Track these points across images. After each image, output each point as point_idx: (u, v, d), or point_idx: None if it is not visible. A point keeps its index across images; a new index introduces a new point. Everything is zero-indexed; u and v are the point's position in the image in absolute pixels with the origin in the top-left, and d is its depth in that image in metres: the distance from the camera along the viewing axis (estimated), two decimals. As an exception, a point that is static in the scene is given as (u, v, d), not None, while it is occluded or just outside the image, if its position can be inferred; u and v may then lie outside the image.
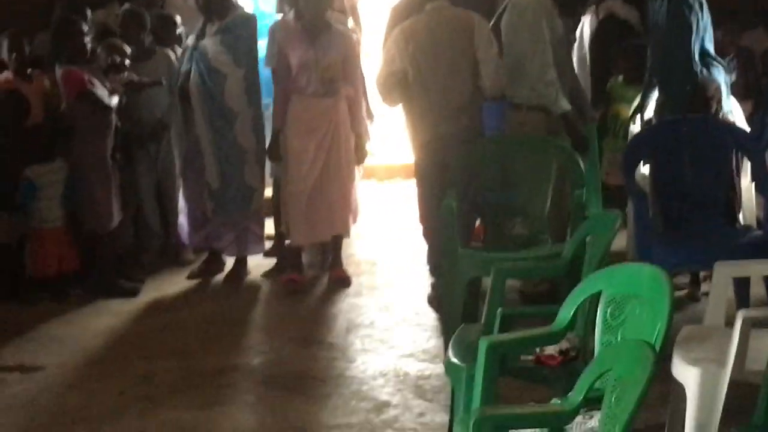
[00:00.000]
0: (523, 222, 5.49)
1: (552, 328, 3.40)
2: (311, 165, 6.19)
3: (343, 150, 6.28)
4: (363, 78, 6.70)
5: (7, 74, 6.52)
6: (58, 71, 6.21)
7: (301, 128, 6.19)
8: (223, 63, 6.29)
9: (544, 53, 5.60)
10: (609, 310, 3.23)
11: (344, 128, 6.26)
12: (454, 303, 5.19)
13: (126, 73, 6.39)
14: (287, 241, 6.48)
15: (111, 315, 6.06)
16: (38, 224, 6.26)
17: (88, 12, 7.16)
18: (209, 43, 6.30)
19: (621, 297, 3.18)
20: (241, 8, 6.62)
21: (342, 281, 6.35)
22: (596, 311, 3.32)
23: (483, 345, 3.28)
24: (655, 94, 5.97)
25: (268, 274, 6.56)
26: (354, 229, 6.81)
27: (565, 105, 5.63)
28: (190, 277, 6.61)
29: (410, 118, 5.80)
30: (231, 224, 6.48)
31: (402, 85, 5.65)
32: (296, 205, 6.22)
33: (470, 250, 5.29)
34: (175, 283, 6.60)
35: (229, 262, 6.67)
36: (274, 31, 6.42)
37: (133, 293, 6.34)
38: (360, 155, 6.42)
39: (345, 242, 6.62)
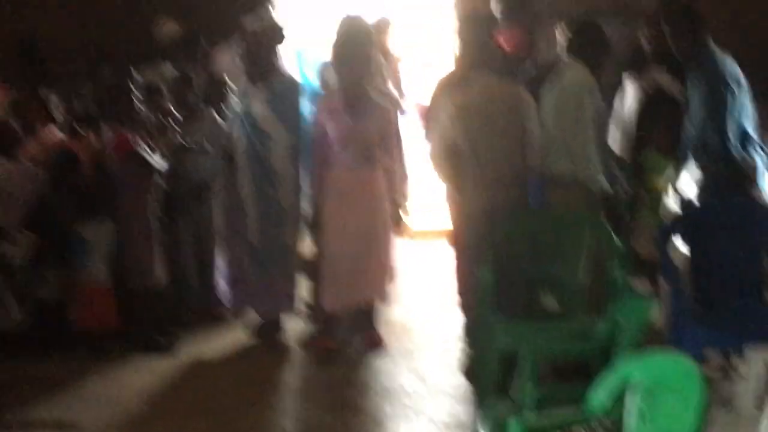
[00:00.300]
0: (558, 294, 5.53)
1: (584, 412, 3.43)
2: (347, 234, 6.24)
3: (380, 219, 6.34)
4: (401, 145, 6.77)
5: (56, 131, 6.67)
6: (107, 131, 6.35)
7: (338, 198, 6.26)
8: (271, 126, 6.41)
9: (587, 130, 5.69)
10: (641, 397, 3.26)
11: (381, 198, 6.33)
12: (487, 374, 5.22)
13: (171, 134, 6.53)
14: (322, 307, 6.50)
15: (148, 372, 6.15)
16: (85, 281, 6.36)
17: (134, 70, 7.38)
18: (257, 107, 6.43)
19: (653, 385, 3.21)
20: (287, 73, 6.77)
21: (376, 345, 6.40)
22: (627, 394, 3.35)
23: (515, 428, 3.32)
24: (689, 168, 6.01)
25: (303, 343, 6.59)
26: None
27: (603, 183, 5.70)
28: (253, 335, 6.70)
29: (460, 190, 5.85)
30: (267, 283, 6.54)
31: (456, 157, 5.73)
32: (332, 272, 6.27)
33: (504, 322, 5.32)
34: (211, 341, 6.68)
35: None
36: (317, 102, 6.55)
37: (169, 349, 6.43)
38: (398, 223, 6.48)
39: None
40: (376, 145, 6.27)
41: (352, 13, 7.26)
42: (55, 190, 6.36)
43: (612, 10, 7.78)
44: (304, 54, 8.01)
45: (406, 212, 6.63)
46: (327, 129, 6.23)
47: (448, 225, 6.74)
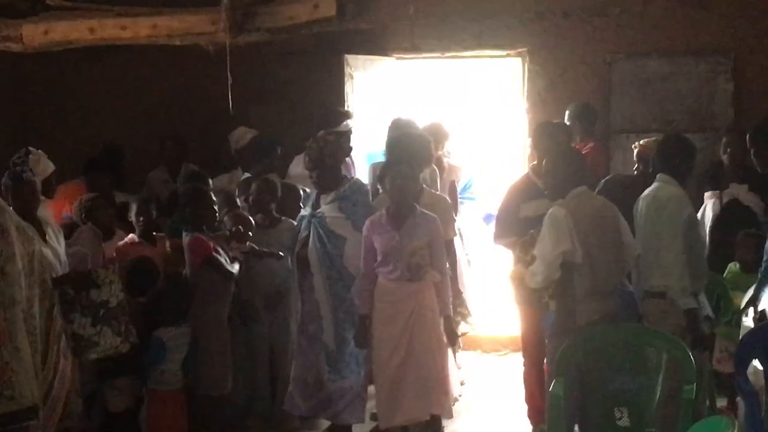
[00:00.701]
0: (633, 412, 5.43)
1: None
2: (395, 350, 6.17)
3: (431, 333, 6.21)
4: (453, 258, 6.76)
5: (132, 236, 6.81)
6: (186, 237, 6.47)
7: (385, 313, 6.22)
8: (342, 227, 6.43)
9: (679, 245, 5.72)
10: None
11: (430, 312, 6.21)
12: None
13: (247, 241, 6.64)
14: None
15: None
16: (157, 386, 6.37)
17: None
18: (327, 210, 6.48)
19: None
20: (352, 177, 6.91)
21: None
22: None
23: None
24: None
25: None
26: (459, 404, 6.79)
27: (690, 301, 5.68)
28: None
29: (562, 302, 5.77)
30: (342, 390, 6.48)
31: (568, 269, 5.68)
32: (382, 389, 6.22)
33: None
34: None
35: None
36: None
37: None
38: (451, 338, 6.35)
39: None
40: (424, 258, 6.16)
41: (404, 117, 7.41)
42: (131, 298, 6.44)
43: (688, 125, 7.75)
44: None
45: (458, 326, 6.58)
46: (373, 241, 6.20)
47: (516, 334, 6.77)
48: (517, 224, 6.53)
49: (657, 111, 8.13)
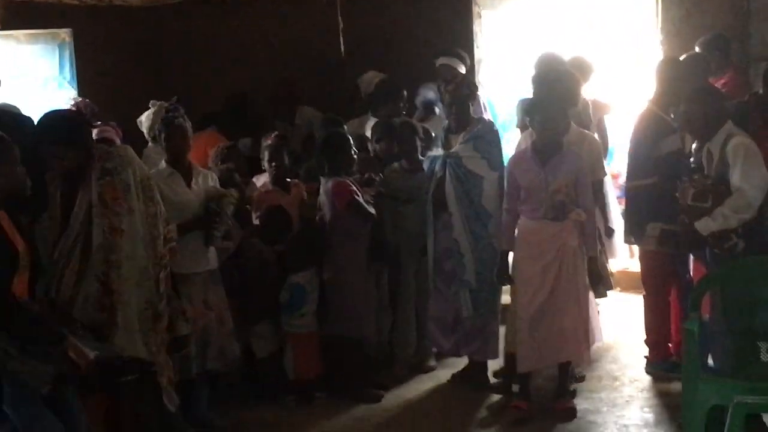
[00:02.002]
0: (770, 349, 5.28)
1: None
2: (538, 290, 6.06)
3: (574, 275, 6.07)
4: (602, 196, 6.66)
5: (266, 183, 6.92)
6: (327, 182, 6.55)
7: (528, 252, 6.14)
8: (479, 166, 6.46)
9: None
10: None
11: (574, 253, 6.07)
12: (694, 431, 5.02)
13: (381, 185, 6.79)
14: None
15: (352, 420, 6.29)
16: (297, 330, 6.54)
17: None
18: (462, 150, 6.51)
19: None
20: (483, 118, 6.92)
21: (568, 413, 6.11)
22: None
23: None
24: None
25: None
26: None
27: None
28: (452, 380, 6.79)
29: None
30: (480, 327, 6.56)
31: None
32: (523, 331, 6.10)
33: (713, 377, 5.13)
34: (418, 391, 6.73)
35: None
36: (519, 144, 6.59)
37: (377, 400, 6.52)
38: (594, 279, 6.20)
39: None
40: (569, 196, 6.03)
41: (549, 52, 7.30)
42: (267, 245, 6.57)
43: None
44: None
45: (603, 268, 6.48)
46: (517, 177, 6.14)
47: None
48: (655, 162, 6.43)
49: (800, 36, 7.80)
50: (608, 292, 6.75)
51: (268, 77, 8.77)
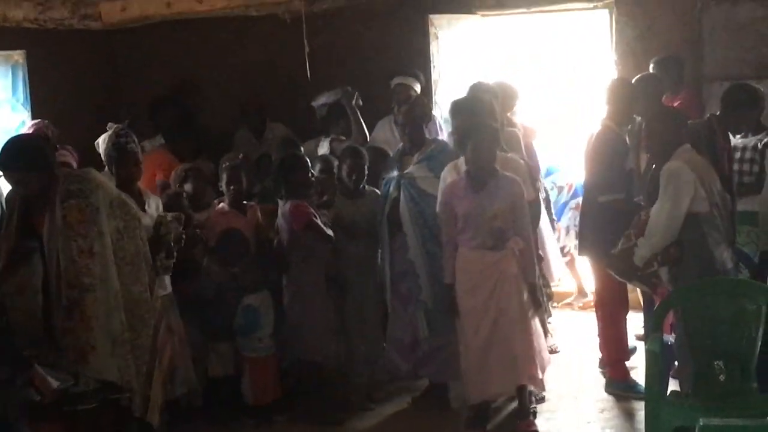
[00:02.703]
0: (730, 368, 5.31)
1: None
2: (481, 321, 6.01)
3: (517, 303, 6.01)
4: (536, 221, 6.65)
5: (222, 206, 6.85)
6: (285, 205, 6.51)
7: (468, 284, 6.07)
8: (433, 186, 6.40)
9: None
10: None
11: (514, 281, 6.02)
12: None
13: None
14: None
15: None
16: (254, 353, 6.50)
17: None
18: (416, 170, 6.50)
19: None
20: (437, 138, 6.93)
21: None
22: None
23: None
24: None
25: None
26: (559, 361, 6.94)
27: None
28: (412, 404, 6.74)
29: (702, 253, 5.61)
30: (439, 348, 6.49)
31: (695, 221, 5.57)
32: (471, 363, 6.07)
33: (675, 399, 5.16)
34: (381, 416, 6.68)
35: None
36: (444, 177, 6.36)
37: (336, 422, 6.46)
38: (536, 305, 6.16)
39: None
40: (506, 222, 5.99)
41: (477, 81, 7.28)
42: (223, 267, 6.52)
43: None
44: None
45: (544, 293, 6.48)
46: (454, 207, 6.06)
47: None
48: (623, 178, 6.57)
49: (750, 57, 7.84)
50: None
51: (229, 98, 8.74)
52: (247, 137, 8.33)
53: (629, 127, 6.77)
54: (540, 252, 6.94)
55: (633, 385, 6.59)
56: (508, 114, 7.42)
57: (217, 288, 6.47)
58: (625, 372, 6.76)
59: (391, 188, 6.58)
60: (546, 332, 6.99)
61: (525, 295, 6.04)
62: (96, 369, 4.87)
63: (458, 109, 6.54)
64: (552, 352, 7.20)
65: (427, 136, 6.79)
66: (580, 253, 7.17)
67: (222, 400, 6.56)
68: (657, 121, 5.87)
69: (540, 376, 6.16)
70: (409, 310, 6.56)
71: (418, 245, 6.46)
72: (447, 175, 6.30)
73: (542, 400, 6.57)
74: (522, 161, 6.59)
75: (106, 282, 4.96)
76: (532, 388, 6.19)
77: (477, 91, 6.95)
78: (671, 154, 5.68)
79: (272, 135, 8.30)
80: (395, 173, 6.64)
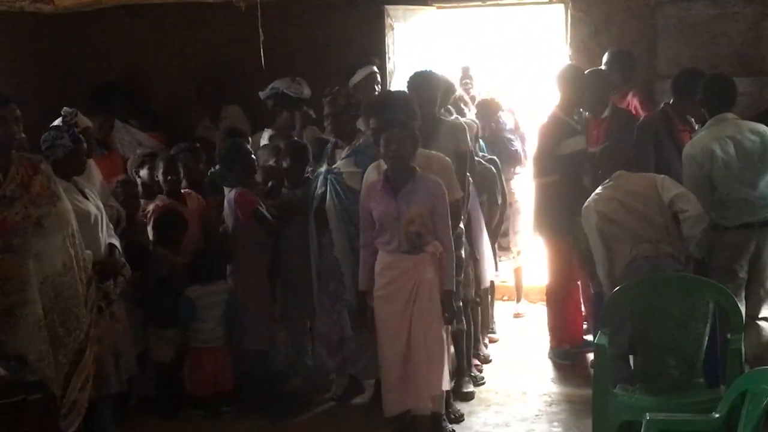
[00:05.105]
0: (678, 363, 5.36)
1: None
2: (398, 330, 5.68)
3: (427, 313, 5.66)
4: (457, 222, 6.18)
5: (162, 197, 6.79)
6: (231, 193, 6.46)
7: (384, 289, 5.72)
8: (359, 182, 6.19)
9: None
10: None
11: (429, 289, 5.66)
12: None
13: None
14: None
15: (261, 435, 6.19)
16: (197, 343, 6.45)
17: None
18: (342, 165, 6.35)
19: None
20: (367, 133, 6.52)
21: None
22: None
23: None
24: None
25: None
26: (507, 354, 7.02)
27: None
28: (333, 400, 6.68)
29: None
30: (365, 346, 6.31)
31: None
32: (388, 374, 5.77)
33: (623, 393, 5.20)
34: (318, 405, 6.68)
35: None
36: (366, 176, 6.09)
37: (284, 415, 6.42)
38: (448, 316, 5.77)
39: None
40: (425, 226, 5.63)
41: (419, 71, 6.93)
42: (167, 249, 6.48)
43: (736, 69, 7.55)
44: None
45: (457, 300, 6.26)
46: (371, 209, 5.75)
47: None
48: (556, 162, 6.99)
49: (704, 55, 7.89)
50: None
51: (181, 85, 8.67)
52: (205, 123, 8.40)
53: (575, 117, 7.14)
54: (475, 254, 6.81)
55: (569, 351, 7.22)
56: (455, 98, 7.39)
57: (164, 276, 6.40)
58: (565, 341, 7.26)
59: (319, 183, 6.43)
60: (477, 341, 7.09)
61: (438, 304, 5.68)
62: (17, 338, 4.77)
63: (371, 107, 6.25)
64: (484, 362, 7.20)
65: (361, 128, 6.55)
66: (534, 232, 7.48)
67: (168, 389, 6.51)
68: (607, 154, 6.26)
69: (439, 395, 5.81)
70: (337, 307, 6.41)
71: (344, 243, 6.29)
72: (369, 175, 6.03)
73: (461, 418, 6.31)
74: (447, 159, 6.12)
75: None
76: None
77: (405, 86, 6.68)
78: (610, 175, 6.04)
79: (228, 118, 8.30)
80: (324, 167, 6.45)
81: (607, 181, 6.00)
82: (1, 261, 4.73)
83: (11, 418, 4.48)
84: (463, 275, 6.39)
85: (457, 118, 6.99)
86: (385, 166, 5.77)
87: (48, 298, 4.87)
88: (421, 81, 6.53)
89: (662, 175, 5.96)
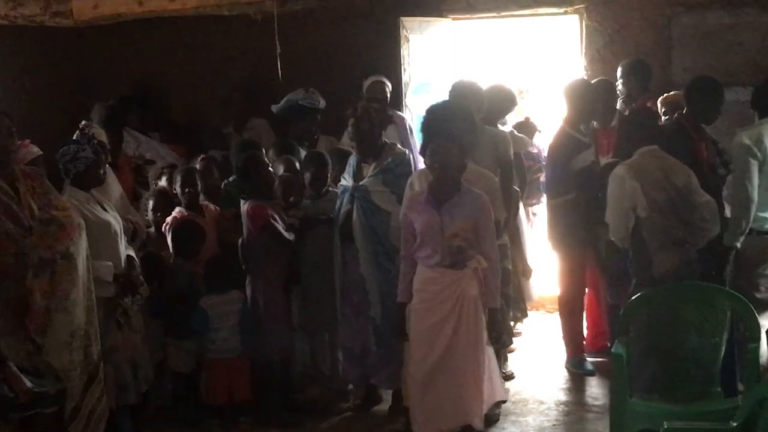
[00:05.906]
0: (695, 372, 5.36)
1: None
2: (432, 345, 5.49)
3: (471, 331, 5.47)
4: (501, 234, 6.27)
5: (180, 209, 6.80)
6: (245, 205, 6.48)
7: (423, 303, 5.54)
8: (387, 201, 6.26)
9: None
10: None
11: (473, 305, 5.46)
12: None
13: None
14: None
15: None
16: (213, 354, 6.47)
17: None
18: (370, 183, 6.34)
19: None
20: (395, 146, 6.57)
21: None
22: None
23: None
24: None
25: None
26: (524, 364, 7.02)
27: None
28: (351, 410, 6.69)
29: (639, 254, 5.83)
30: (389, 358, 6.37)
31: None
32: (416, 392, 5.59)
33: (640, 402, 5.20)
34: (336, 414, 6.70)
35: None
36: (412, 182, 6.09)
37: (302, 426, 6.45)
38: (495, 335, 5.61)
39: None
40: (468, 241, 5.45)
41: (464, 80, 7.06)
42: (186, 259, 6.55)
43: (750, 78, 7.54)
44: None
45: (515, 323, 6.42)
46: (413, 221, 5.57)
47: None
48: (569, 181, 6.95)
49: (719, 64, 7.92)
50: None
51: (199, 98, 8.73)
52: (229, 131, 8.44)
53: (582, 129, 7.12)
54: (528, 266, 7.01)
55: (583, 363, 7.22)
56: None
57: (182, 287, 6.44)
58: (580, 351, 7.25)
59: (345, 200, 6.44)
60: (502, 359, 6.90)
61: (483, 323, 5.52)
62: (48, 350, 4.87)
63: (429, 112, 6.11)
64: (507, 378, 6.99)
65: (386, 141, 6.56)
66: (551, 249, 7.43)
67: (186, 398, 6.56)
68: (628, 122, 6.17)
69: (481, 413, 5.60)
70: (360, 320, 6.45)
71: (370, 260, 6.33)
72: (415, 181, 6.00)
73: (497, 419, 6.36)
74: (496, 180, 6.22)
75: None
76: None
77: (465, 92, 6.67)
78: (632, 153, 5.88)
79: (254, 129, 8.35)
80: (350, 182, 6.45)
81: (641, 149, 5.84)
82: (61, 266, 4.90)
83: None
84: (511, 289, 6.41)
85: (512, 131, 7.25)
86: (431, 177, 5.63)
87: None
88: (463, 89, 6.64)
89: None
